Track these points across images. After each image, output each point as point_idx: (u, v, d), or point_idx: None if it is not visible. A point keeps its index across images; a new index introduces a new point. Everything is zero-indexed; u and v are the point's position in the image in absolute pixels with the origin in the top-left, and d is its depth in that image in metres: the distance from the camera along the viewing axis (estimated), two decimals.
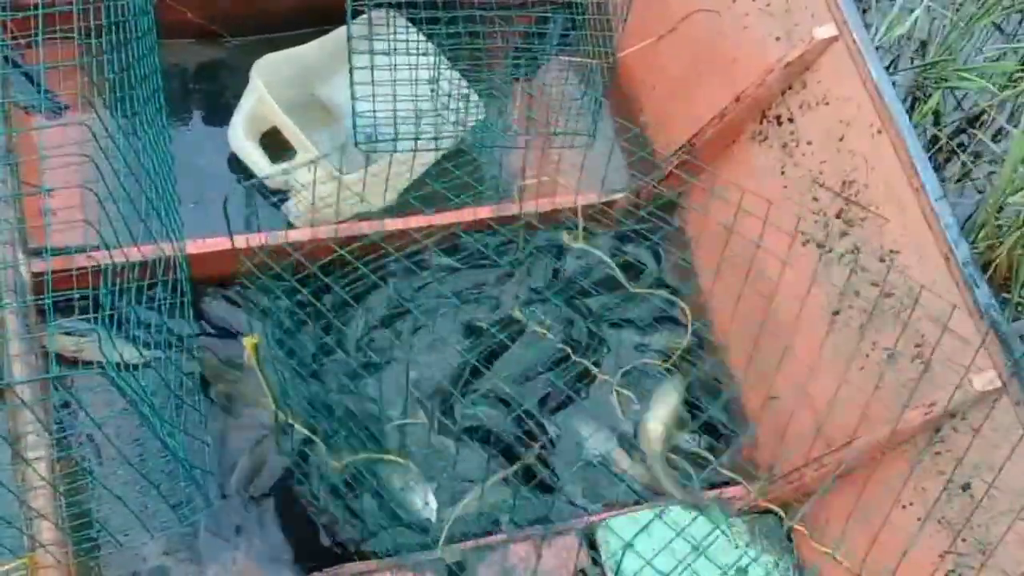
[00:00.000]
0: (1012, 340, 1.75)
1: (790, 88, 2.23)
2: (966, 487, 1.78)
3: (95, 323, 1.96)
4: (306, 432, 2.11)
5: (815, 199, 2.16)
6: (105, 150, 1.79)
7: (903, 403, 1.86)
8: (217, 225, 2.35)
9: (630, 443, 2.28)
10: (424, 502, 2.11)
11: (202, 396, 2.21)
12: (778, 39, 2.25)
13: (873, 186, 2.01)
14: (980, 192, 2.97)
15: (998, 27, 3.26)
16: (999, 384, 1.74)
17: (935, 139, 3.02)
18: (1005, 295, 2.63)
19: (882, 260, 1.98)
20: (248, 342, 2.20)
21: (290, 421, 2.12)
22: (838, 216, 2.09)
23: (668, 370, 2.37)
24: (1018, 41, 3.23)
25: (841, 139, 2.10)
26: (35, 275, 2.01)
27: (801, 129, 2.21)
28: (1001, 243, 2.69)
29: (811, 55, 2.15)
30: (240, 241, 2.25)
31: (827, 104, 2.15)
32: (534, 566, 1.98)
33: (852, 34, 2.08)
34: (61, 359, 2.12)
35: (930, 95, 3.04)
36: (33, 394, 1.77)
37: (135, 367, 2.07)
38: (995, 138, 3.06)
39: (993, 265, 2.69)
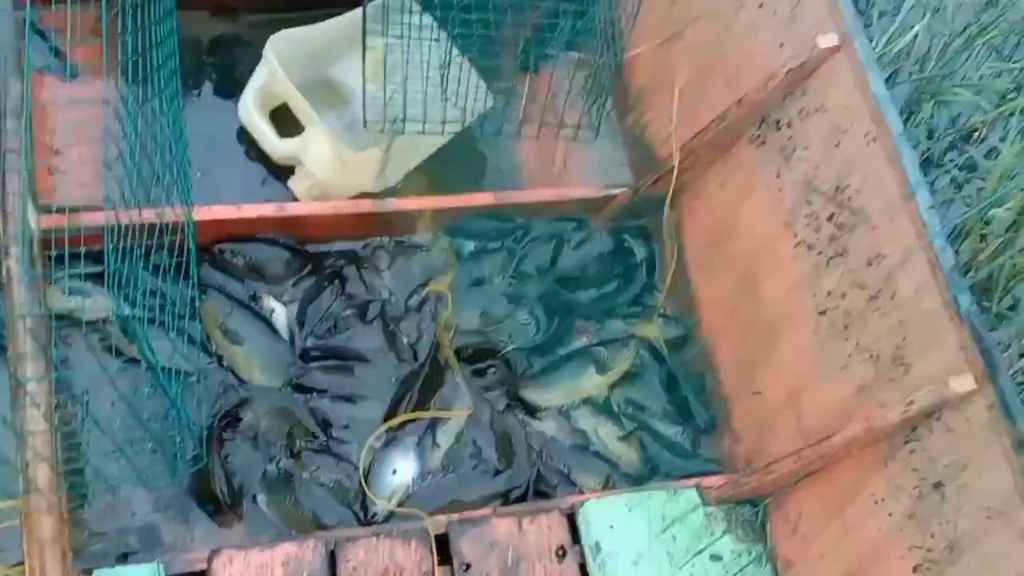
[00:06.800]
0: (990, 344, 1.80)
1: (791, 94, 2.28)
2: (938, 485, 1.84)
3: (100, 281, 2.01)
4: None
5: (808, 202, 2.21)
6: (120, 111, 1.82)
7: (882, 401, 1.93)
8: (223, 195, 2.42)
9: (613, 420, 2.35)
10: (393, 470, 2.20)
11: (203, 356, 2.25)
12: (782, 46, 2.29)
13: (865, 192, 2.06)
14: (968, 207, 3.03)
15: (996, 50, 3.32)
16: (975, 387, 1.80)
17: (928, 157, 3.08)
18: (984, 304, 2.68)
19: (869, 264, 2.03)
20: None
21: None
22: (830, 219, 2.14)
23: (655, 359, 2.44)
24: (1015, 63, 3.29)
25: (837, 145, 2.15)
26: (43, 231, 2.04)
27: (799, 134, 2.26)
28: (984, 253, 2.74)
29: (813, 63, 2.20)
30: (245, 210, 2.31)
31: (825, 111, 2.20)
32: (516, 541, 2.03)
33: (854, 44, 2.14)
34: (59, 318, 2.14)
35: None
36: (35, 339, 1.80)
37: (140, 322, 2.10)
38: (987, 156, 3.12)
39: (975, 275, 2.74)
